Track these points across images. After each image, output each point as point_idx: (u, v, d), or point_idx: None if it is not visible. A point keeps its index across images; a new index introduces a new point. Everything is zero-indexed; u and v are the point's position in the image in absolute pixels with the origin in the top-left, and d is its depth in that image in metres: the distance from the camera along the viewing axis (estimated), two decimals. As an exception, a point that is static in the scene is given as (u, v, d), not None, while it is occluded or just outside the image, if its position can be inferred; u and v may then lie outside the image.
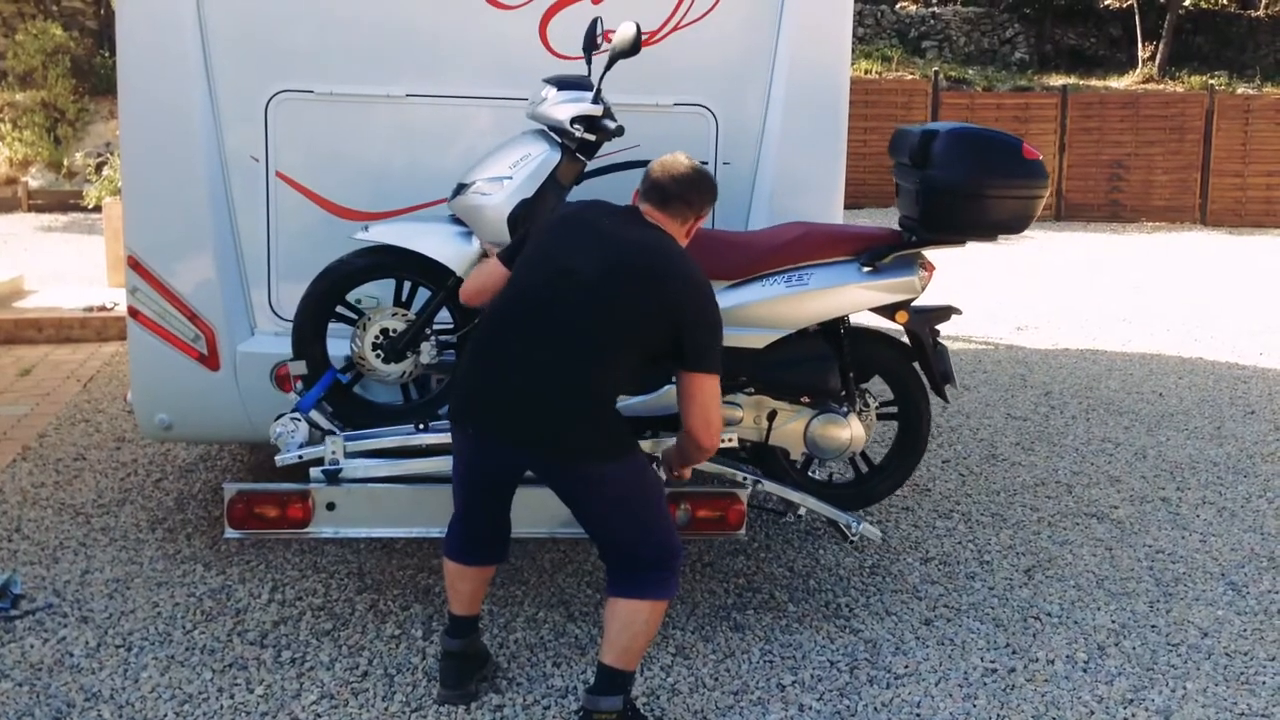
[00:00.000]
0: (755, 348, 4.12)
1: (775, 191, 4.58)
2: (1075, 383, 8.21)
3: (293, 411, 4.03)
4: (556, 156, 3.99)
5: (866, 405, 4.40)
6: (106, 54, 19.11)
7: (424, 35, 4.43)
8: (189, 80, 4.33)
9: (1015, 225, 4.12)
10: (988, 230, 4.14)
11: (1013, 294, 11.91)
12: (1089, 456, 6.45)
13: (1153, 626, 4.37)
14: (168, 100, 4.34)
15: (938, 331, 4.43)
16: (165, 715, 3.55)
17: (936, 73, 21.13)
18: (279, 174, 4.42)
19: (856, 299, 4.17)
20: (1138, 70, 24.35)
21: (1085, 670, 4.02)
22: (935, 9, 25.99)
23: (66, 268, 12.02)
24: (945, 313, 4.44)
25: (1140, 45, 24.81)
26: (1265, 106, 20.26)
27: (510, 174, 3.95)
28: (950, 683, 3.90)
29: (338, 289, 4.13)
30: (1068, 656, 4.11)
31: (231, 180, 4.41)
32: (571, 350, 3.22)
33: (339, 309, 4.18)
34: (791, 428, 4.26)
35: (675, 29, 4.52)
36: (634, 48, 3.89)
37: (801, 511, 4.28)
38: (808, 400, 4.26)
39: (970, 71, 23.42)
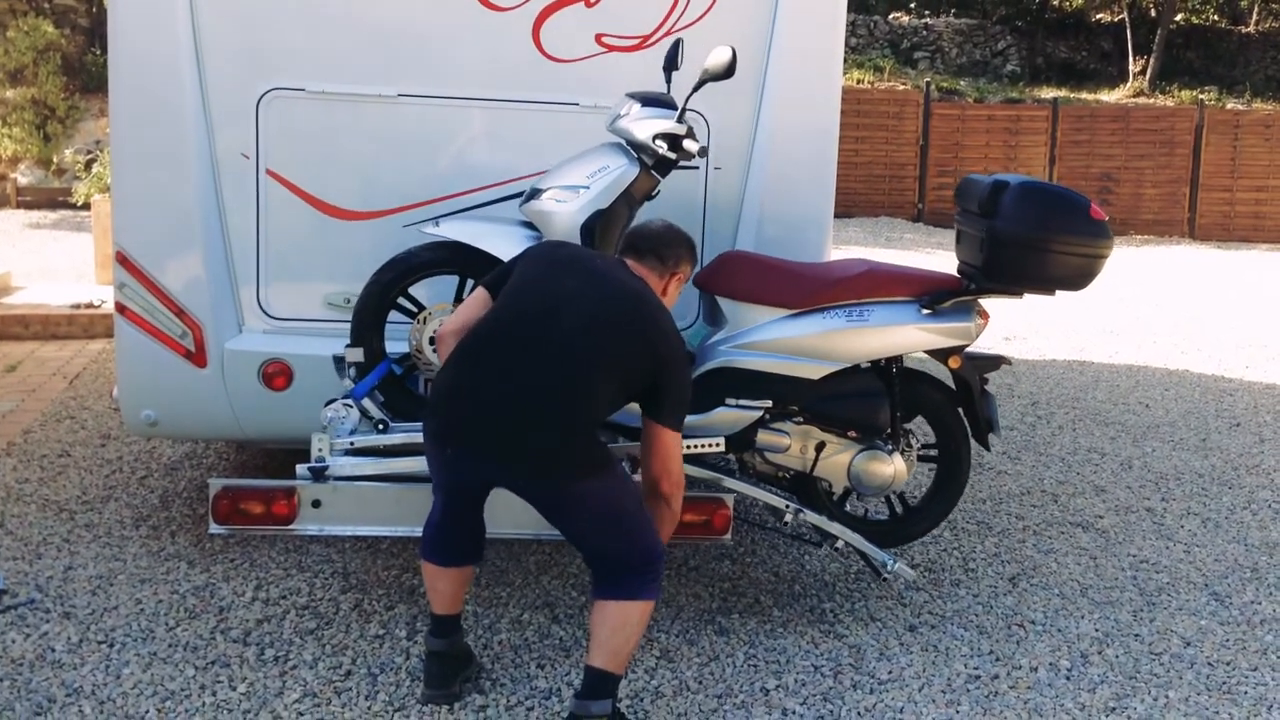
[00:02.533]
0: (810, 378, 4.16)
1: (765, 197, 4.59)
2: (1062, 393, 8.23)
3: (345, 397, 4.02)
4: (635, 171, 4.00)
5: (909, 445, 4.44)
6: (98, 51, 19.07)
7: (416, 35, 4.43)
8: (180, 77, 4.32)
9: (1075, 283, 4.18)
10: (1047, 284, 4.19)
11: (1001, 304, 11.91)
12: (1075, 466, 6.47)
13: (1136, 635, 4.38)
14: (158, 96, 4.33)
15: (986, 379, 4.49)
16: (147, 712, 3.54)
17: (928, 83, 21.21)
18: (269, 172, 4.42)
19: (914, 340, 4.22)
20: (1128, 84, 24.47)
21: (1068, 678, 4.02)
22: (928, 20, 26.08)
23: (54, 265, 11.99)
24: (996, 362, 4.53)
25: (1131, 59, 24.93)
26: (1254, 122, 20.38)
27: (587, 184, 3.96)
28: (934, 689, 3.90)
29: (401, 280, 4.11)
30: (1051, 664, 4.12)
31: (221, 177, 4.40)
32: (558, 374, 3.23)
33: (400, 301, 4.18)
34: (836, 460, 4.30)
35: (669, 34, 4.53)
36: (728, 71, 3.91)
37: (839, 544, 4.29)
38: (854, 435, 4.30)
39: (962, 83, 23.50)
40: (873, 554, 4.28)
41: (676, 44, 4.13)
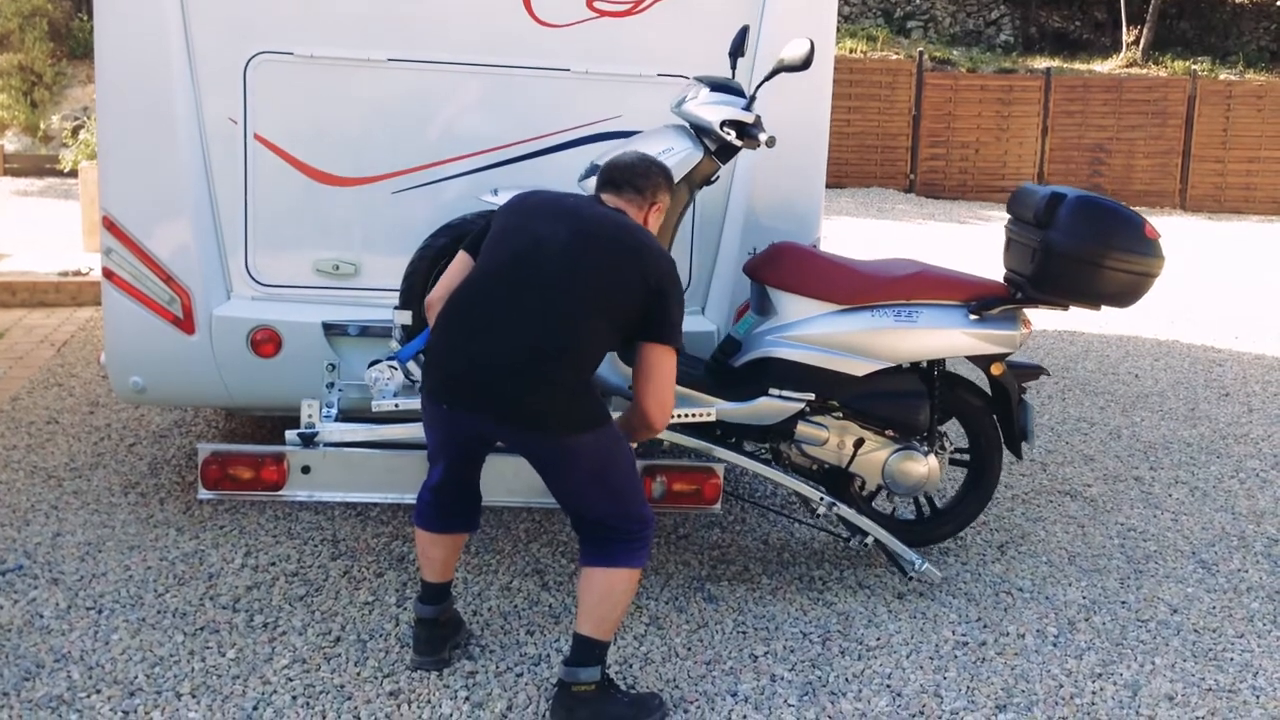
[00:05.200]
0: (855, 374, 4.19)
1: (756, 167, 4.57)
2: (1052, 363, 8.24)
3: (390, 359, 4.00)
4: (699, 155, 3.99)
5: (943, 448, 4.47)
6: (85, 17, 18.89)
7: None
8: (167, 40, 4.27)
9: (1123, 299, 4.23)
10: (1094, 299, 4.23)
11: (992, 275, 11.93)
12: (1064, 435, 6.49)
13: (1123, 603, 4.40)
14: (145, 60, 4.28)
15: (1025, 388, 4.54)
16: (136, 677, 3.54)
17: (921, 53, 21.11)
18: (257, 136, 4.38)
19: (959, 344, 4.25)
20: (1121, 54, 24.38)
21: (1055, 644, 4.05)
22: (921, -11, 25.92)
23: (42, 232, 11.91)
24: (1035, 372, 4.58)
25: (1124, 29, 24.83)
26: (1247, 93, 20.33)
27: None
28: (921, 655, 3.92)
29: (454, 247, 4.08)
30: (1038, 631, 4.14)
31: (209, 142, 4.36)
32: (545, 319, 3.21)
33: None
34: (873, 457, 4.34)
35: (659, -1, 4.49)
36: (805, 63, 3.90)
37: (869, 540, 4.33)
38: (891, 433, 4.34)
39: (955, 52, 23.41)
40: (901, 553, 4.31)
41: (743, 30, 4.13)
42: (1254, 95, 20.28)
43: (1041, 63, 22.99)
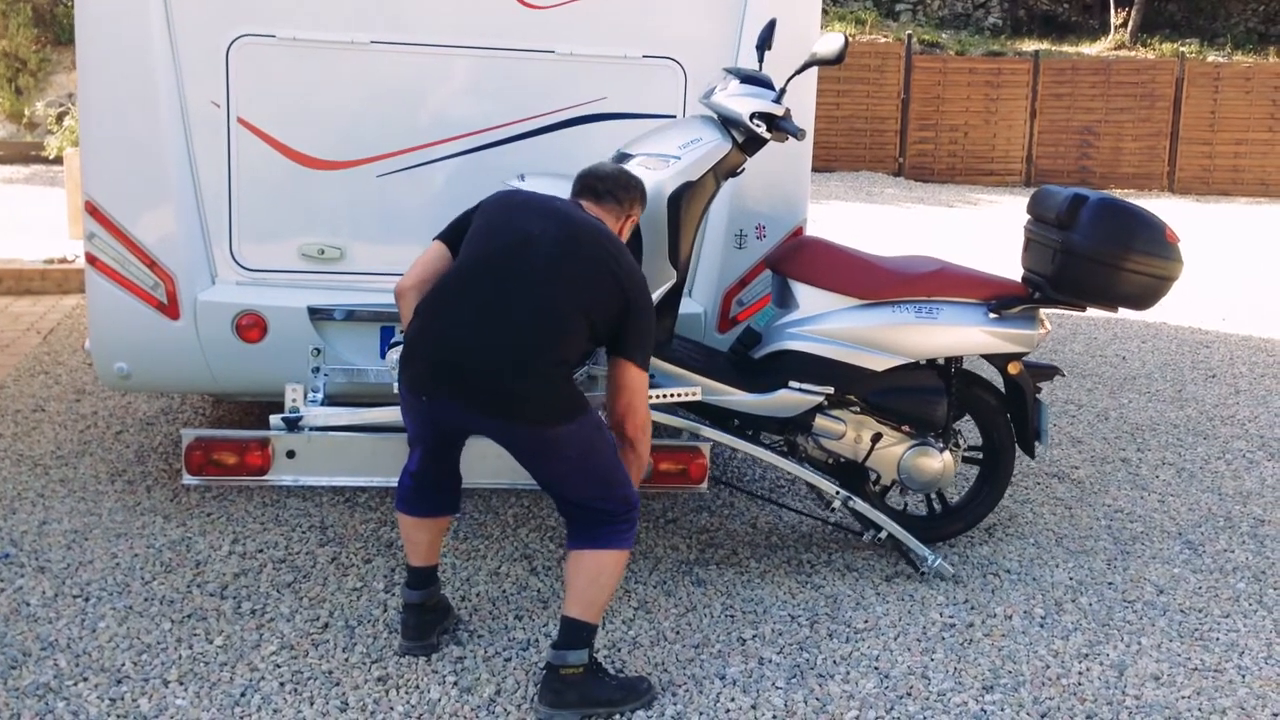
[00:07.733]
0: (874, 369, 4.22)
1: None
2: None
3: None
4: (727, 147, 3.98)
5: (957, 445, 4.50)
6: (69, 3, 18.74)
7: (389, -19, 4.36)
8: (148, 23, 4.24)
9: (1141, 302, 4.26)
10: (1113, 301, 4.28)
11: (981, 258, 11.93)
12: (1051, 418, 6.50)
13: (1109, 583, 4.42)
14: (127, 43, 4.25)
15: (1040, 388, 4.57)
16: (123, 664, 3.53)
17: (910, 36, 21.08)
18: (240, 120, 4.35)
19: (978, 342, 4.29)
20: (1110, 37, 24.36)
21: (1042, 625, 4.06)
22: (909, -28, 25.84)
23: (27, 219, 11.84)
24: (1050, 372, 4.62)
25: (1113, 12, 24.81)
26: (1235, 75, 20.35)
27: (679, 154, 3.92)
28: (909, 637, 3.93)
29: None
30: (1025, 612, 4.15)
31: (191, 126, 4.33)
32: (532, 312, 3.22)
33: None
34: (889, 452, 4.36)
35: (645, -20, 4.47)
36: (838, 58, 3.91)
37: (883, 534, 4.35)
38: (908, 429, 4.36)
39: (944, 36, 23.36)
40: (915, 548, 4.33)
41: (770, 24, 4.11)
42: (1242, 77, 20.30)
43: (1030, 45, 22.97)
